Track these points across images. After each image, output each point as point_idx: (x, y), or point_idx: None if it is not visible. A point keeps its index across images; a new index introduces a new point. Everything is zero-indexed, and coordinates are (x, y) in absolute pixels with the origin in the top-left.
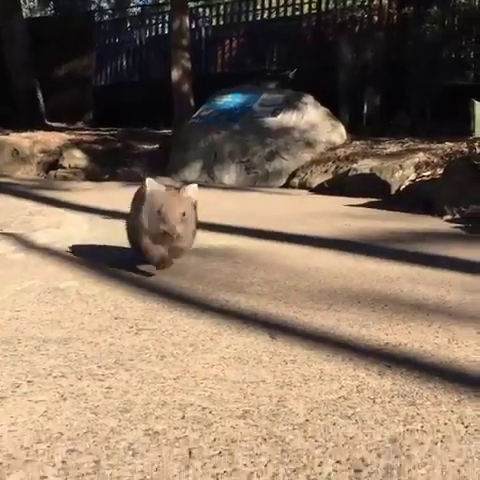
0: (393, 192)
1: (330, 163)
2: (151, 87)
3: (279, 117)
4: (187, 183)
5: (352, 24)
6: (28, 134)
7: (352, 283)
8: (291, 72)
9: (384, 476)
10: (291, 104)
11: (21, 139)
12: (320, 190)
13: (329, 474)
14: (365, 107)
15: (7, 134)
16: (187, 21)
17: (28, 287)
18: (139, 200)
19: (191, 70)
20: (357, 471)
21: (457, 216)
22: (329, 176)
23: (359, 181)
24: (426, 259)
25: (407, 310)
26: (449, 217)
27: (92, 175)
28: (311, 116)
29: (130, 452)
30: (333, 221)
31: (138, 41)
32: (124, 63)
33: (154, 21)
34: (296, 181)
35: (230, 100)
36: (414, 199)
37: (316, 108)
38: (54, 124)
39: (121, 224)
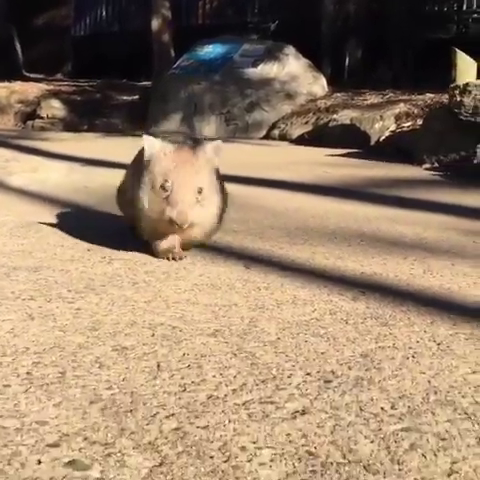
0: (373, 143)
1: (311, 114)
2: (131, 38)
3: (260, 68)
4: (205, 139)
5: None
6: (5, 84)
7: (329, 222)
8: (273, 24)
9: (354, 386)
10: (272, 55)
11: None
12: (300, 141)
13: (298, 384)
14: (347, 59)
15: None
16: None
17: (1, 222)
18: (139, 163)
19: (171, 20)
20: (327, 382)
21: (436, 165)
22: (309, 127)
23: (339, 132)
24: (404, 202)
25: (383, 245)
26: (428, 166)
27: (70, 126)
28: (292, 67)
29: (97, 365)
30: (313, 169)
31: None
32: (104, 13)
33: None
34: (276, 132)
35: (211, 50)
36: (394, 149)
37: (297, 59)
38: (32, 75)
39: (99, 171)
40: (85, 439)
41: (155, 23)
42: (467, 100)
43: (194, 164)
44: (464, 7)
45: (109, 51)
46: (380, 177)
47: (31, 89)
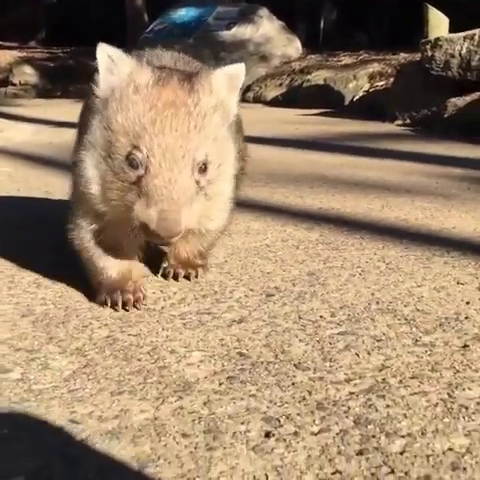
0: (347, 102)
1: (285, 76)
2: (105, 3)
3: (233, 30)
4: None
5: None
6: None
7: (293, 168)
8: None
9: (296, 299)
10: (246, 17)
11: None
12: (275, 103)
13: (239, 298)
14: (322, 22)
15: None
16: None
17: None
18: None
19: None
20: (269, 295)
21: (408, 121)
22: (284, 89)
23: (313, 92)
24: (370, 151)
25: (345, 187)
26: (400, 122)
27: (43, 92)
28: (266, 29)
29: (34, 285)
30: (284, 127)
31: None
32: None
33: None
34: (251, 95)
35: (184, 14)
36: (367, 108)
37: (271, 21)
38: (4, 43)
39: (67, 130)
40: (10, 347)
41: None
42: (438, 54)
43: (192, 112)
44: None
45: (82, 17)
46: (350, 132)
47: (3, 56)
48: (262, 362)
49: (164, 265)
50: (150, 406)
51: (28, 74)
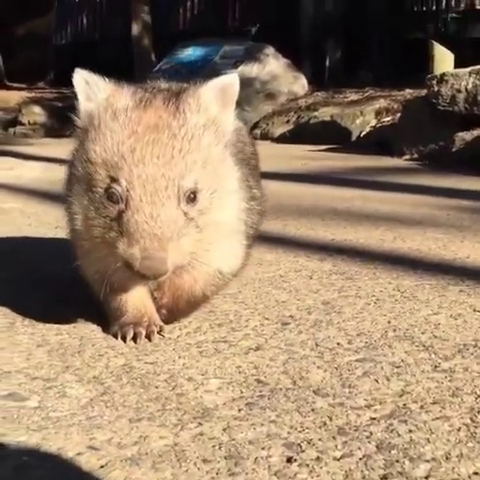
0: (354, 138)
1: (292, 113)
2: (112, 45)
3: (240, 69)
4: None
5: None
6: None
7: (304, 201)
8: (253, 28)
9: (312, 327)
10: (252, 56)
11: None
12: (282, 139)
13: (255, 326)
14: (327, 60)
15: None
16: None
17: None
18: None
19: (151, 25)
20: (284, 324)
21: (416, 156)
22: (291, 126)
23: (320, 128)
24: (381, 185)
25: (356, 219)
26: (408, 157)
27: (52, 131)
28: (272, 67)
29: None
30: (292, 162)
31: None
32: (84, 21)
33: None
34: (258, 132)
35: (191, 53)
36: (375, 144)
37: (277, 59)
38: (14, 85)
39: None
40: (26, 376)
41: (135, 28)
42: (444, 90)
43: (176, 134)
44: (442, 6)
45: (91, 58)
46: (358, 166)
47: (13, 96)
48: (280, 389)
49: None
50: (169, 432)
51: (37, 114)
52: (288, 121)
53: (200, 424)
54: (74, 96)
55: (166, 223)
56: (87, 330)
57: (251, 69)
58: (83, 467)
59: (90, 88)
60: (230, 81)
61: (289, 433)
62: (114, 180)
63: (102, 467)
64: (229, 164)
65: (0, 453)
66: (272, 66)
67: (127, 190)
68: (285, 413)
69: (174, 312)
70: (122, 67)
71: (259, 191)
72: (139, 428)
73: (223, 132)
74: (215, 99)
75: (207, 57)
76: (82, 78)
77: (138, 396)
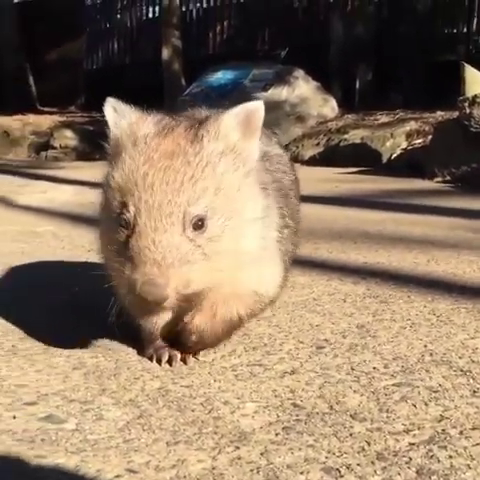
0: (384, 161)
1: (321, 136)
2: (143, 69)
3: (270, 92)
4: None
5: (343, 1)
6: (19, 117)
7: (335, 224)
8: (283, 51)
9: (347, 351)
10: (282, 79)
11: (12, 121)
12: (312, 162)
13: (289, 350)
14: (357, 82)
15: None
16: None
17: (3, 231)
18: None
19: (181, 49)
20: (319, 348)
21: (448, 178)
22: (321, 148)
23: (350, 151)
24: (413, 208)
25: (389, 242)
26: (440, 179)
27: (83, 155)
28: (302, 90)
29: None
30: (322, 184)
31: (129, 23)
32: (115, 46)
33: (145, 3)
34: (288, 155)
35: (221, 76)
36: (406, 166)
37: (307, 82)
38: (46, 109)
39: None
40: (63, 398)
41: (165, 53)
42: (476, 112)
43: (190, 162)
44: (473, 28)
45: (121, 83)
46: (390, 189)
47: (44, 121)
48: (317, 413)
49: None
50: (207, 456)
51: (68, 138)
52: (318, 144)
53: (237, 448)
54: (105, 123)
55: (167, 249)
56: (122, 353)
57: (281, 92)
58: None
59: (117, 116)
60: (254, 108)
61: (327, 458)
62: (125, 206)
63: None
64: (250, 192)
65: (40, 475)
66: (302, 89)
67: (134, 216)
68: (323, 437)
69: (206, 336)
70: (152, 91)
71: (293, 220)
72: (176, 451)
73: (245, 159)
74: (237, 126)
75: (237, 80)
76: (111, 106)
77: (175, 419)
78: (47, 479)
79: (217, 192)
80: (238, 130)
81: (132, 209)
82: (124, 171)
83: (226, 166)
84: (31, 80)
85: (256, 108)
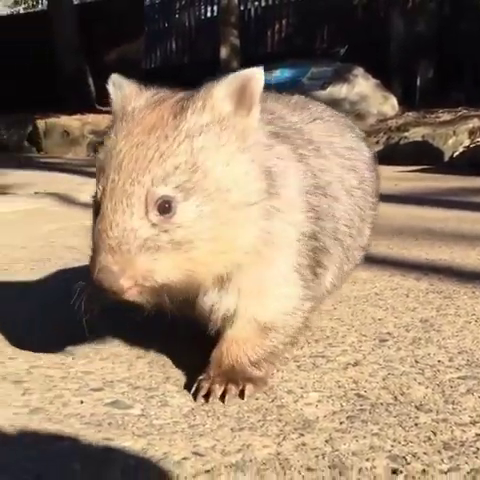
0: (446, 159)
1: (381, 134)
2: (201, 69)
3: (328, 90)
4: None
5: None
6: (78, 116)
7: (396, 222)
8: (342, 49)
9: (410, 344)
10: (341, 76)
11: (71, 121)
12: None
13: (352, 343)
14: (418, 80)
15: (57, 117)
16: None
17: (63, 227)
18: None
19: (239, 48)
20: (382, 341)
21: None
22: (380, 147)
23: (411, 149)
24: (475, 206)
25: (451, 239)
26: None
27: None
28: (362, 88)
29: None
30: (383, 183)
31: (187, 23)
32: (173, 45)
33: (203, 2)
34: None
35: (279, 75)
36: (469, 164)
37: (366, 80)
38: (104, 108)
39: None
40: (129, 385)
41: (224, 52)
42: None
43: (167, 137)
44: None
45: (179, 82)
46: (452, 187)
47: (103, 120)
48: (381, 403)
49: (201, 376)
50: (272, 442)
51: None
52: (377, 142)
53: (302, 435)
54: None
55: (123, 234)
56: (186, 342)
57: (340, 90)
58: (189, 471)
59: (115, 90)
60: (249, 75)
61: (392, 446)
62: (97, 186)
63: (207, 472)
64: (243, 171)
65: (108, 456)
66: (361, 86)
67: (100, 197)
68: (387, 427)
69: (222, 381)
70: None
71: (347, 223)
72: (241, 437)
73: (238, 133)
74: (229, 96)
75: (295, 78)
76: (112, 81)
77: (238, 407)
78: (115, 461)
79: (193, 170)
80: (230, 101)
81: (100, 189)
82: (105, 148)
83: (209, 141)
84: (90, 80)
85: (251, 75)
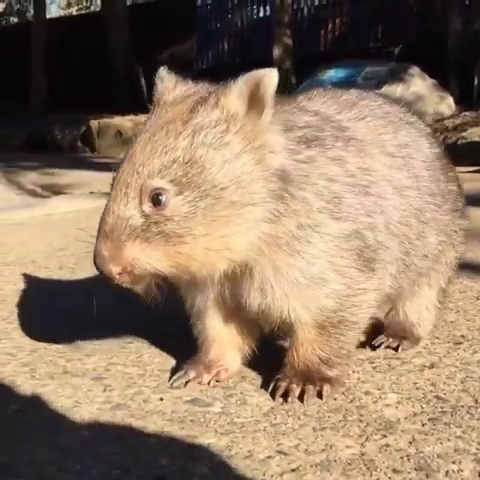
0: None
1: (438, 134)
2: (253, 69)
3: (383, 89)
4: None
5: None
6: (131, 117)
7: None
8: (396, 48)
9: None
10: (396, 76)
11: (124, 121)
12: None
13: (426, 345)
14: (476, 79)
15: (111, 117)
16: None
17: None
18: None
19: (292, 47)
20: (457, 343)
21: None
22: None
23: (469, 149)
24: None
25: None
26: None
27: None
28: (418, 87)
29: None
30: None
31: (239, 23)
32: (225, 46)
33: (256, 2)
34: None
35: (333, 74)
36: None
37: (423, 79)
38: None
39: None
40: (207, 384)
41: (276, 51)
42: None
43: (177, 129)
44: None
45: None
46: None
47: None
48: (462, 406)
49: (278, 375)
50: (355, 442)
51: None
52: None
53: (384, 436)
54: None
55: (115, 221)
56: (261, 343)
57: (395, 89)
58: (275, 469)
59: (158, 83)
60: (262, 75)
61: (478, 449)
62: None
63: (293, 471)
64: (247, 171)
65: (194, 454)
66: (417, 86)
67: (111, 186)
68: (471, 430)
69: (298, 381)
70: None
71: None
72: (324, 436)
73: (248, 133)
74: (241, 96)
75: (349, 78)
76: (157, 75)
77: (318, 407)
78: (202, 458)
79: (190, 165)
80: (241, 101)
81: (113, 180)
82: (133, 140)
83: (211, 138)
84: (143, 81)
85: (263, 76)
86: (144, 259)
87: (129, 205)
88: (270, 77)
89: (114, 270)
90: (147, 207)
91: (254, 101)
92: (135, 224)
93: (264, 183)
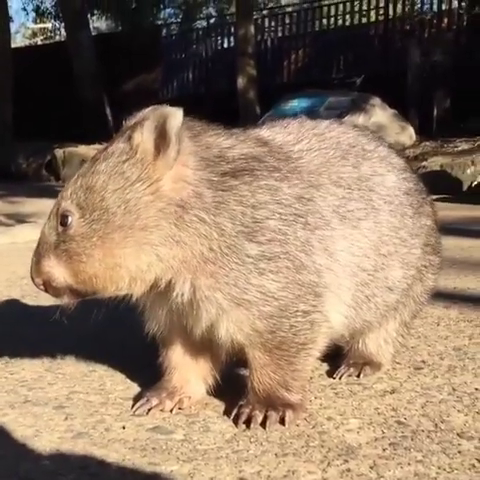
0: (465, 188)
1: None
2: (217, 98)
3: (346, 119)
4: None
5: (421, 28)
6: (96, 146)
7: None
8: (358, 79)
9: (446, 372)
10: (358, 106)
11: (89, 150)
12: None
13: (387, 370)
14: (435, 110)
15: (76, 146)
16: (252, 28)
17: None
18: None
19: (257, 78)
20: (417, 368)
21: None
22: None
23: (429, 179)
24: None
25: (477, 268)
26: None
27: None
28: (379, 118)
29: None
30: None
31: (204, 54)
32: (190, 76)
33: (220, 34)
34: None
35: (296, 104)
36: None
37: (384, 110)
38: None
39: None
40: (170, 411)
41: (240, 81)
42: None
43: (97, 159)
44: None
45: (196, 111)
46: (473, 216)
47: None
48: (423, 430)
49: (241, 402)
50: (317, 468)
51: None
52: None
53: (346, 461)
54: None
55: (41, 238)
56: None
57: (357, 120)
58: None
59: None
60: (167, 114)
61: (438, 473)
62: None
63: None
64: (142, 199)
65: None
66: (378, 116)
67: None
68: (431, 454)
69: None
70: (227, 120)
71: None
72: (286, 462)
73: (146, 165)
74: (148, 130)
75: (312, 108)
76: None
77: (280, 433)
78: None
79: (90, 191)
80: (148, 134)
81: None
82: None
83: (110, 166)
84: (108, 110)
85: (169, 115)
86: (56, 273)
87: (50, 224)
88: (174, 117)
89: (36, 281)
90: (59, 227)
91: (162, 136)
92: (50, 241)
93: (158, 210)
